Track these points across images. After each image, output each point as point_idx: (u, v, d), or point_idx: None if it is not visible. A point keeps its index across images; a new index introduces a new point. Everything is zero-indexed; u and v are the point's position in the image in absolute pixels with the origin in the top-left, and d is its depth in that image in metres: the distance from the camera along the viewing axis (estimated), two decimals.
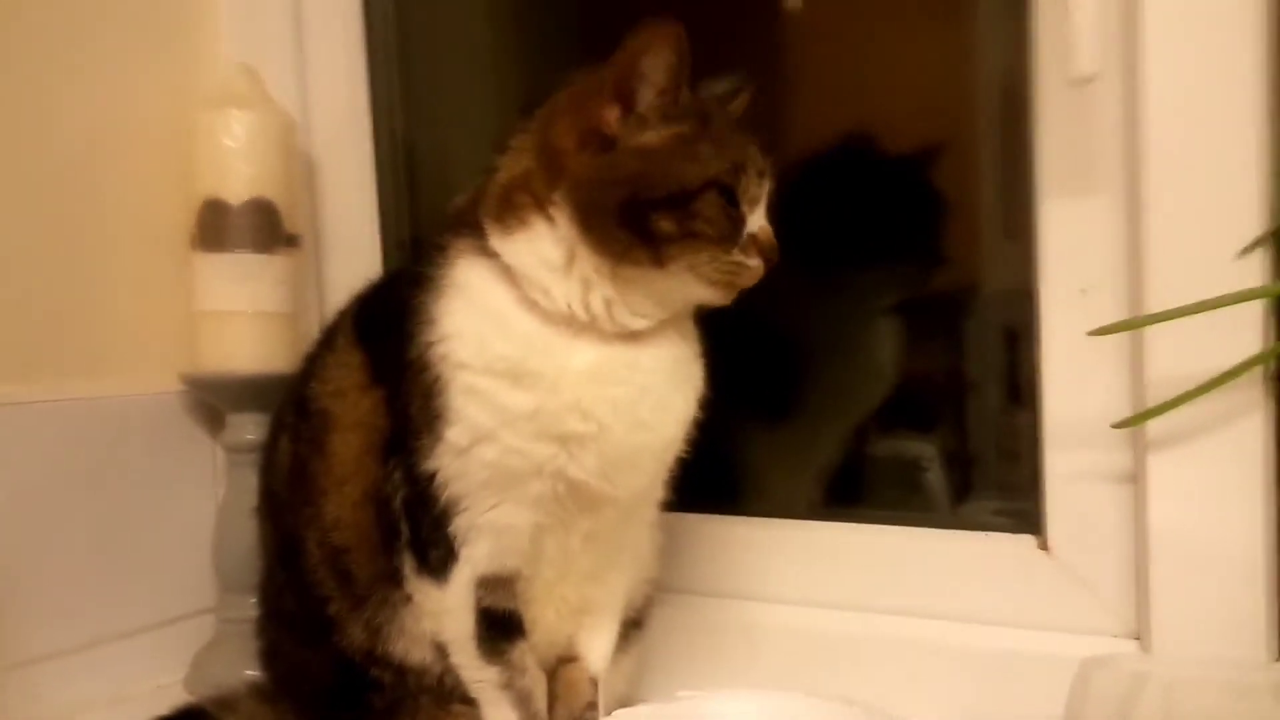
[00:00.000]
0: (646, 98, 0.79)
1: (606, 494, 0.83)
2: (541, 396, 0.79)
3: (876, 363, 1.22)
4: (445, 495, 0.82)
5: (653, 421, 0.83)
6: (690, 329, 0.88)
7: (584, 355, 0.81)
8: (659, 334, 0.84)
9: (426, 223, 1.36)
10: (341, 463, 0.87)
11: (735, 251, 0.80)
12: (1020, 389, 1.06)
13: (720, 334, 0.89)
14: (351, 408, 0.88)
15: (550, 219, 0.80)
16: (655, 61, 0.78)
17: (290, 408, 0.95)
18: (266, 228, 1.17)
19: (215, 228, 1.16)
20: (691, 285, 0.81)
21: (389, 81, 1.36)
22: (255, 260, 1.16)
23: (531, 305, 0.81)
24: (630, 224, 0.78)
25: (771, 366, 1.23)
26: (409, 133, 1.38)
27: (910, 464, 1.19)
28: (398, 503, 0.84)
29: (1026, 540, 0.99)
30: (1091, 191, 0.93)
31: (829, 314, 1.22)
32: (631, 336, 0.82)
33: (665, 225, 0.78)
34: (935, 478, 1.18)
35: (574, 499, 0.83)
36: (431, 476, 0.82)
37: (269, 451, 0.99)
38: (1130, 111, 0.89)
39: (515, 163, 0.83)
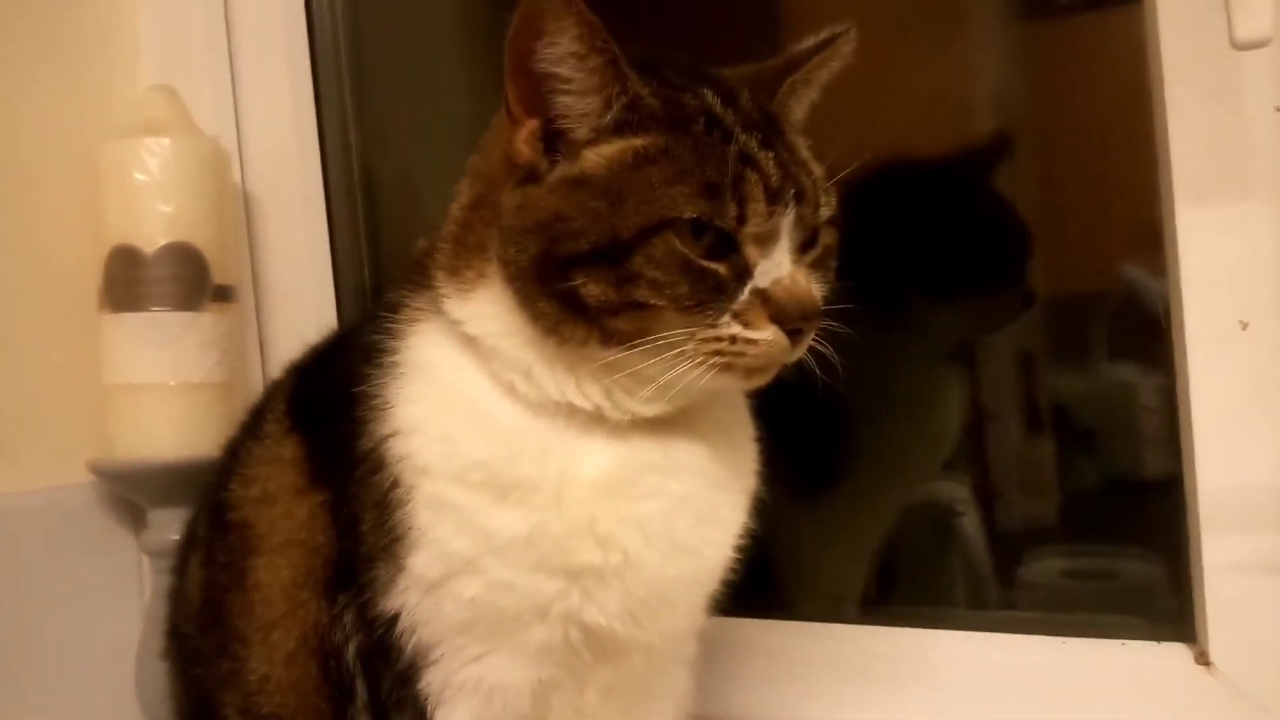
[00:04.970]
0: (567, 104, 0.60)
1: (634, 640, 0.67)
2: (539, 515, 0.63)
3: (944, 416, 1.07)
4: (412, 643, 0.66)
5: (695, 543, 0.66)
6: (737, 398, 0.70)
7: (596, 458, 0.64)
8: (694, 415, 0.66)
9: (391, 266, 1.24)
10: (267, 600, 0.71)
11: (726, 320, 0.59)
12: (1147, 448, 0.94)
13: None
14: (282, 518, 0.71)
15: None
16: (553, 52, 0.58)
17: (204, 516, 0.79)
18: (190, 279, 1.04)
19: (126, 281, 1.03)
20: (682, 372, 0.60)
21: (340, 100, 1.26)
22: (176, 319, 1.03)
23: (510, 388, 0.64)
24: (549, 288, 0.60)
25: (812, 424, 1.03)
26: (366, 158, 1.27)
27: (1000, 542, 1.04)
28: (351, 654, 0.68)
29: (1179, 651, 0.86)
30: (1248, 197, 0.80)
31: (883, 359, 1.03)
32: (655, 424, 0.64)
33: (592, 289, 0.59)
34: (1039, 570, 1.01)
35: (590, 648, 0.66)
36: (393, 619, 0.66)
37: (178, 575, 0.83)
38: None
39: (467, 190, 0.68)
